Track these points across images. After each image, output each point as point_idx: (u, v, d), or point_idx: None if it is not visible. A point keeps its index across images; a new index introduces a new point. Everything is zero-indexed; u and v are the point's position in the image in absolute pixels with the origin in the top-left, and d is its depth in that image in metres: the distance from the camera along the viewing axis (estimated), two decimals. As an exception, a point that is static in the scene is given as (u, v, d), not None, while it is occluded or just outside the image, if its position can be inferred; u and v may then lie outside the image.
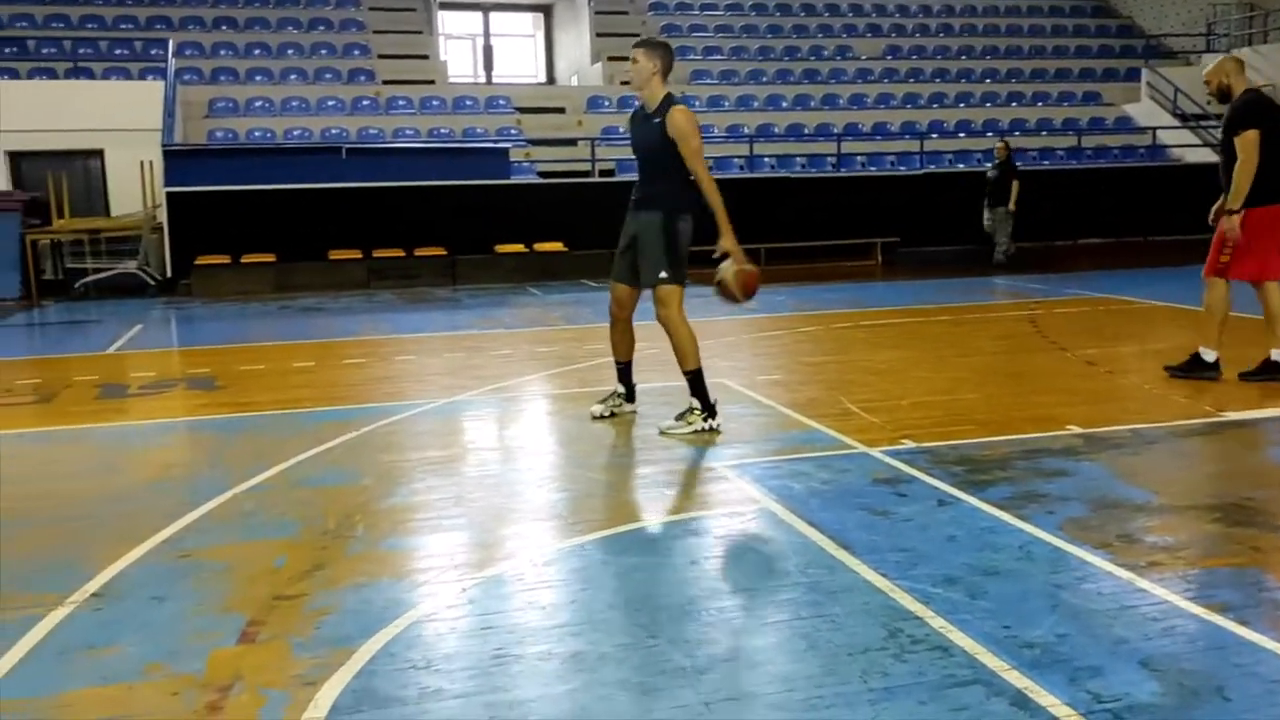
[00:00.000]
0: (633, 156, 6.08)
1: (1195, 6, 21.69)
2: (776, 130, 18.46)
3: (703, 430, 5.74)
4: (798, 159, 17.57)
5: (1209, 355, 6.71)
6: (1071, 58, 22.25)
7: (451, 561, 3.96)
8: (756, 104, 19.26)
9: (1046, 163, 18.23)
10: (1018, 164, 15.15)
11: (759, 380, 7.23)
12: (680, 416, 5.84)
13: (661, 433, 5.78)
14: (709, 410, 5.81)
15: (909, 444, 5.42)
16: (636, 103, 5.95)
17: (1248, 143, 6.30)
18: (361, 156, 14.92)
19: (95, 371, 8.19)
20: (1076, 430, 5.61)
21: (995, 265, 14.63)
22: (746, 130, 18.07)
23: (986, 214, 14.79)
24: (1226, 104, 6.56)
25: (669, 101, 5.72)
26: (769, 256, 15.98)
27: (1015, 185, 14.60)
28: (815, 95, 19.73)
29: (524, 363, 8.30)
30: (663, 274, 5.74)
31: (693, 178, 5.69)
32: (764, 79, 20.19)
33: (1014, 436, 5.54)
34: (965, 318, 10.08)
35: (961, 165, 17.72)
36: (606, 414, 6.19)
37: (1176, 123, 19.14)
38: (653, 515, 4.53)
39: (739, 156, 17.44)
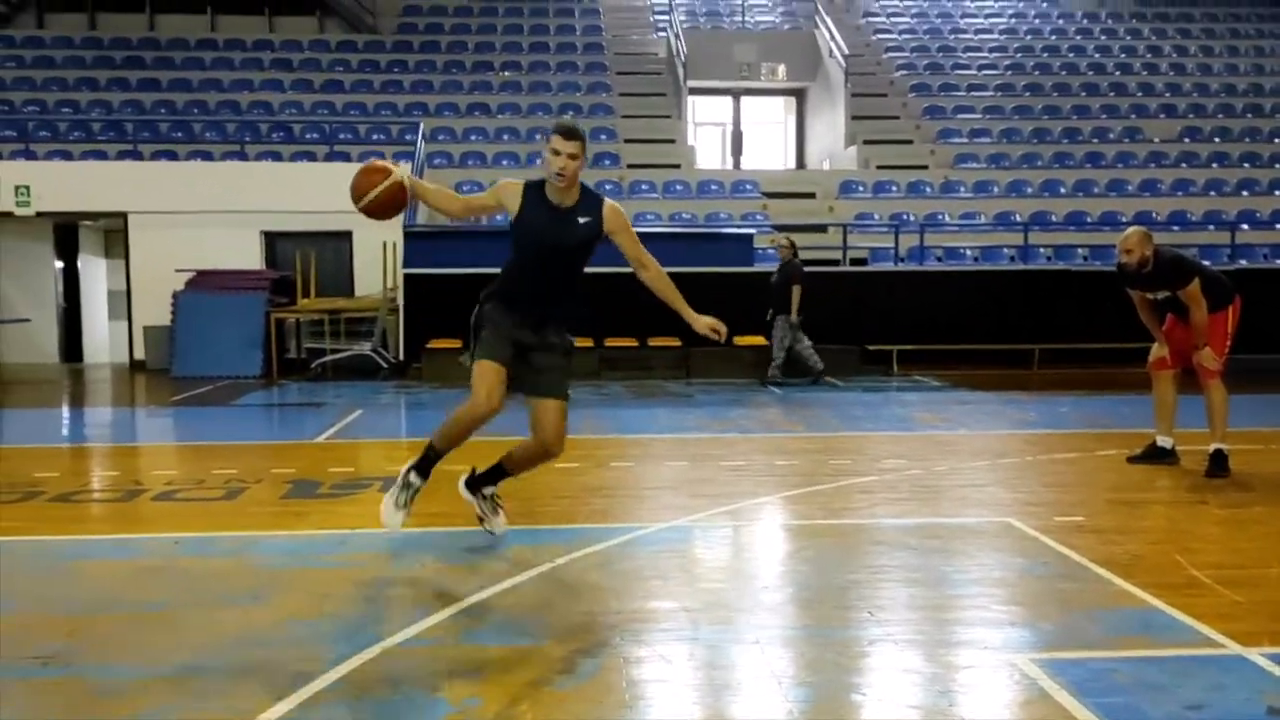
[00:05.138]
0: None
1: None
2: (1054, 219, 16.57)
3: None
4: (1079, 250, 15.59)
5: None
6: None
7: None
8: (1030, 190, 17.45)
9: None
10: (801, 265, 12.62)
11: (1057, 523, 5.63)
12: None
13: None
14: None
15: (1306, 646, 3.75)
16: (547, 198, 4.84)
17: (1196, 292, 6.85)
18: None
19: (295, 463, 7.56)
20: None
21: (767, 380, 12.54)
22: (1019, 218, 16.29)
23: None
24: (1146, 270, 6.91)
25: (596, 194, 4.94)
26: (1043, 358, 14.10)
27: (796, 291, 12.23)
28: (1099, 180, 17.69)
29: (758, 478, 7.03)
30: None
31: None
32: (1039, 163, 18.33)
33: None
34: (1320, 448, 8.01)
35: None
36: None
37: None
38: (934, 745, 3.11)
39: (1010, 246, 15.69)
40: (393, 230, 14.10)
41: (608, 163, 18.14)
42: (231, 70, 20.05)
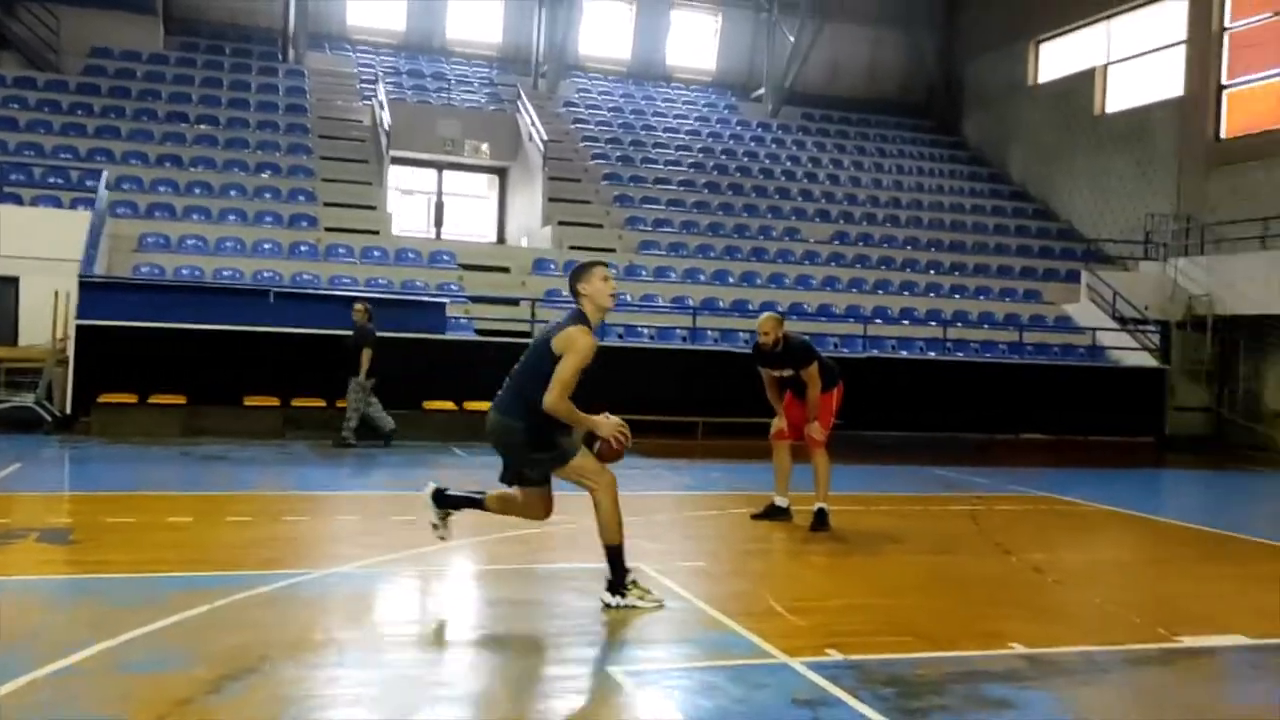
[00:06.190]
0: None
1: (1132, 216, 22.26)
2: (721, 305, 18.29)
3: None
4: (742, 334, 17.31)
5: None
6: (1014, 255, 22.61)
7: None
8: (703, 278, 19.16)
9: (989, 355, 18.16)
10: (374, 330, 12.79)
11: (680, 567, 6.56)
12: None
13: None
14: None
15: (835, 655, 4.76)
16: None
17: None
18: (290, 300, 14.36)
19: (-58, 514, 7.31)
20: (1021, 650, 4.99)
21: (336, 445, 12.58)
22: (692, 302, 17.88)
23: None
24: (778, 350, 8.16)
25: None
26: (706, 430, 15.50)
27: (367, 354, 12.56)
28: (762, 273, 19.69)
29: (426, 531, 7.52)
30: None
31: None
32: (712, 254, 20.17)
33: (952, 654, 4.91)
34: (906, 509, 9.56)
35: (904, 352, 17.59)
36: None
37: (1115, 325, 19.29)
38: (529, 734, 3.80)
39: (682, 328, 17.17)
40: (66, 279, 13.58)
41: (305, 224, 18.21)
42: (-114, 96, 18.51)
